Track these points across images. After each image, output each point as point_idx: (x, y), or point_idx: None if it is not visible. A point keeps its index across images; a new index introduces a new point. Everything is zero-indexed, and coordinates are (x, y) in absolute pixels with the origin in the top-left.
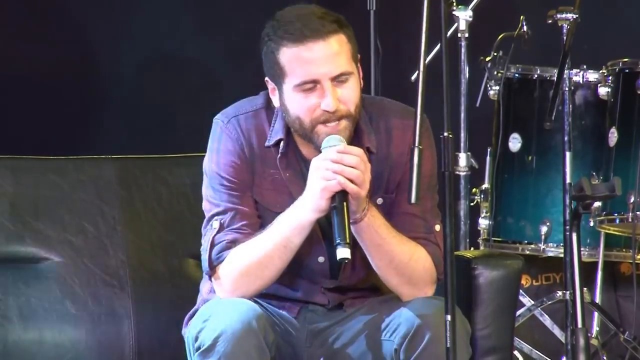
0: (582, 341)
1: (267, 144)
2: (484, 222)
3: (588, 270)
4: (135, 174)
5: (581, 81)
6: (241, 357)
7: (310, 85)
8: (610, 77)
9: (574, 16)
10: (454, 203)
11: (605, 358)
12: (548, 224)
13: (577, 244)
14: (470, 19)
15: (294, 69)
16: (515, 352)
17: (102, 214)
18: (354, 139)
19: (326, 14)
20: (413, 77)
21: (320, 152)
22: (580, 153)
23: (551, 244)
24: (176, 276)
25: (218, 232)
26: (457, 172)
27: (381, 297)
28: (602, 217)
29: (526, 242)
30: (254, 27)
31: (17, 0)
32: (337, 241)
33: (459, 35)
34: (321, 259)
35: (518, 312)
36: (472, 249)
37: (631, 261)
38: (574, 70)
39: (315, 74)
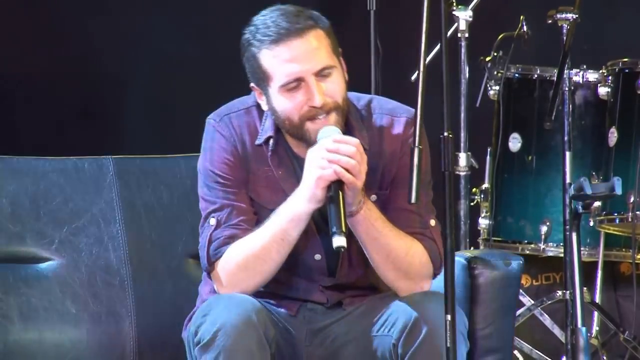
0: (582, 341)
1: (257, 142)
2: (484, 222)
3: (588, 270)
4: (136, 174)
5: (581, 81)
6: (241, 351)
7: (295, 84)
8: (610, 77)
9: (574, 16)
10: (454, 203)
11: (605, 358)
12: (548, 223)
13: (577, 244)
14: (470, 19)
15: (277, 70)
16: (515, 352)
17: (103, 213)
18: (346, 135)
19: (301, 11)
20: (413, 77)
21: None
22: (580, 153)
23: (551, 243)
24: (176, 276)
25: (215, 228)
26: (457, 172)
27: (380, 295)
28: (602, 217)
29: (526, 241)
30: None
31: (18, 1)
32: (333, 230)
33: (459, 35)
34: (318, 257)
35: (518, 312)
36: (472, 249)
37: (631, 261)
38: (574, 70)
39: (298, 71)
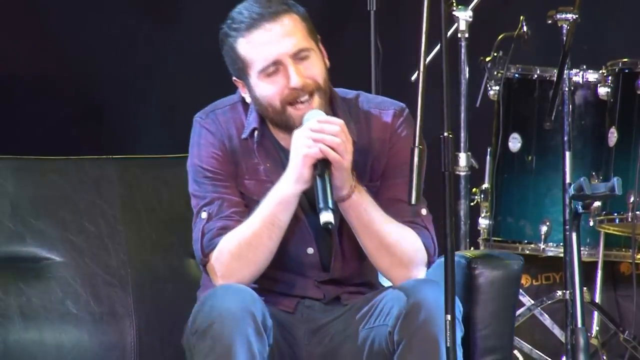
0: (582, 341)
1: (243, 135)
2: (484, 222)
3: (588, 269)
4: (136, 174)
5: (581, 81)
6: (239, 339)
7: (273, 68)
8: (610, 77)
9: (574, 16)
10: (454, 203)
11: (605, 357)
12: (548, 223)
13: (577, 244)
14: (470, 19)
15: (254, 56)
16: (515, 352)
17: (103, 213)
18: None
19: None
20: (413, 77)
21: None
22: (580, 153)
23: (551, 243)
24: (177, 276)
25: (207, 221)
26: (457, 172)
27: (378, 290)
28: (601, 217)
29: (526, 241)
30: None
31: (18, 1)
32: (320, 206)
33: (459, 35)
34: (310, 250)
35: (518, 312)
36: (472, 249)
37: (631, 261)
38: (574, 71)
39: (274, 53)
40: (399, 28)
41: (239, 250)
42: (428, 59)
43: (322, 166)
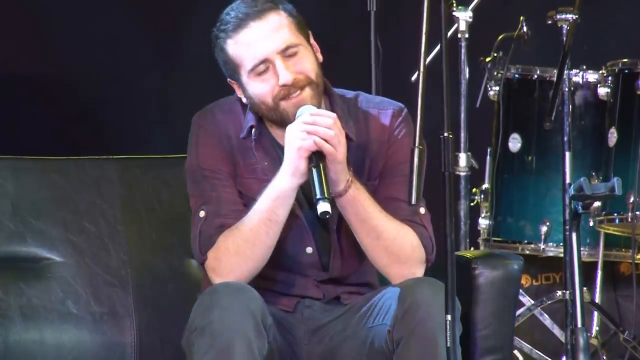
0: (581, 341)
1: (241, 135)
2: (484, 222)
3: (588, 270)
4: (136, 174)
5: (581, 82)
6: (238, 337)
7: (263, 67)
8: (609, 78)
9: (574, 17)
10: (454, 203)
11: (604, 358)
12: (548, 223)
13: (576, 244)
14: (470, 20)
15: (243, 56)
16: (515, 352)
17: (104, 214)
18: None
19: None
20: (413, 78)
21: None
22: (580, 153)
23: (551, 243)
24: (177, 276)
25: (205, 220)
26: (457, 172)
27: (377, 290)
28: (601, 217)
29: (526, 242)
30: None
31: (18, 1)
32: (317, 197)
33: (459, 35)
34: (309, 250)
35: (518, 312)
36: (472, 249)
37: (631, 261)
38: (574, 71)
39: (262, 52)
40: (399, 28)
41: (237, 247)
42: (428, 60)
43: (316, 158)
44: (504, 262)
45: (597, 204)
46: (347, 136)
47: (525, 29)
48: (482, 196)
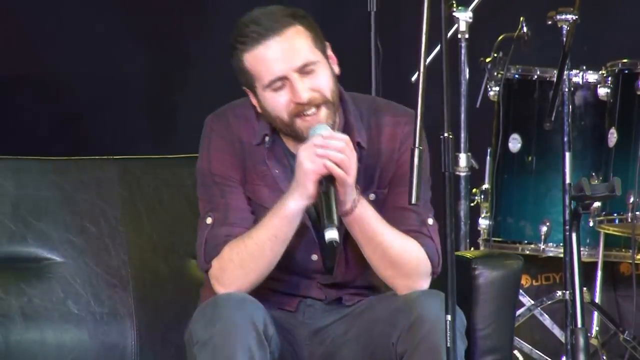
0: (581, 341)
1: (254, 141)
2: (484, 222)
3: (588, 270)
4: (137, 175)
5: (581, 82)
6: (240, 350)
7: (279, 84)
8: (609, 78)
9: (574, 17)
10: (454, 203)
11: (604, 358)
12: (548, 224)
13: (576, 244)
14: (471, 20)
15: (259, 71)
16: (515, 352)
17: (104, 214)
18: (344, 133)
19: (280, 9)
20: (413, 78)
21: None
22: (579, 153)
23: (551, 243)
24: (178, 276)
25: (212, 227)
26: (457, 173)
27: (380, 295)
28: (601, 217)
29: (526, 242)
30: None
31: (19, 1)
32: (325, 223)
33: (459, 36)
34: (315, 257)
35: (518, 312)
36: (472, 249)
37: (631, 261)
38: (574, 71)
39: (279, 70)
40: (399, 28)
41: (241, 260)
42: (428, 60)
43: (326, 182)
44: (504, 262)
45: (597, 204)
46: (358, 144)
47: (525, 29)
48: (482, 196)
